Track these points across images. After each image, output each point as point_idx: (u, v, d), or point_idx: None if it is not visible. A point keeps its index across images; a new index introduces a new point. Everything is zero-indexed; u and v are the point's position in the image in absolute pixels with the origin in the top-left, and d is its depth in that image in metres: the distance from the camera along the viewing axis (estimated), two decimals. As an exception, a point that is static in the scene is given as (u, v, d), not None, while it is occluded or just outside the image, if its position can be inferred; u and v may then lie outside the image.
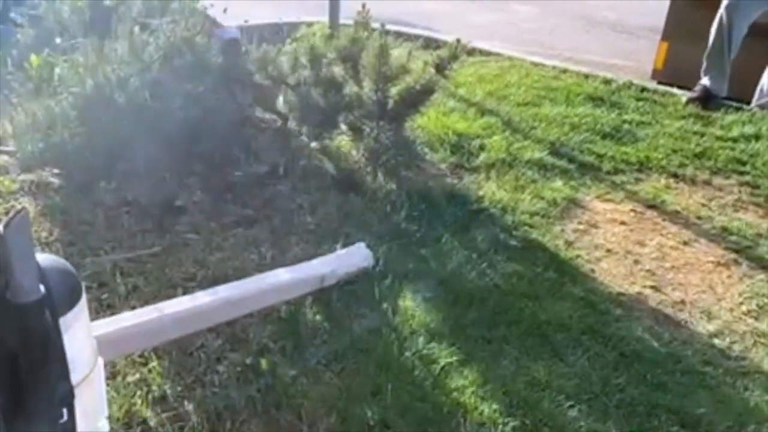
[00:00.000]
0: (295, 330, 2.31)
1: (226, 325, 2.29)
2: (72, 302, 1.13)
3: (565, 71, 4.98)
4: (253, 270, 2.57)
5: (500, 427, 2.00)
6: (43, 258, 1.10)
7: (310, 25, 5.64)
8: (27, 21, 4.08)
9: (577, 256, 2.92)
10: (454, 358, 2.25)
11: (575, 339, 2.42)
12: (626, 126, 4.14)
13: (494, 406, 2.08)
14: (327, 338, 2.29)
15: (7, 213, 2.46)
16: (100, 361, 1.29)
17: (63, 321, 1.09)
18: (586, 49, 6.04)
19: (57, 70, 3.20)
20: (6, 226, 0.98)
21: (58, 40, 3.62)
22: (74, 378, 1.13)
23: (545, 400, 2.14)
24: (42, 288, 1.04)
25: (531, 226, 3.07)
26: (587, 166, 3.68)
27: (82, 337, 1.19)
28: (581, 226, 3.16)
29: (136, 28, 3.41)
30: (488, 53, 5.29)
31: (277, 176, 3.29)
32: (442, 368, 2.19)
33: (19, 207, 0.96)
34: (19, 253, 1.01)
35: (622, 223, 3.23)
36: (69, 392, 1.11)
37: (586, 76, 4.88)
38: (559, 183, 3.46)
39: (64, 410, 1.11)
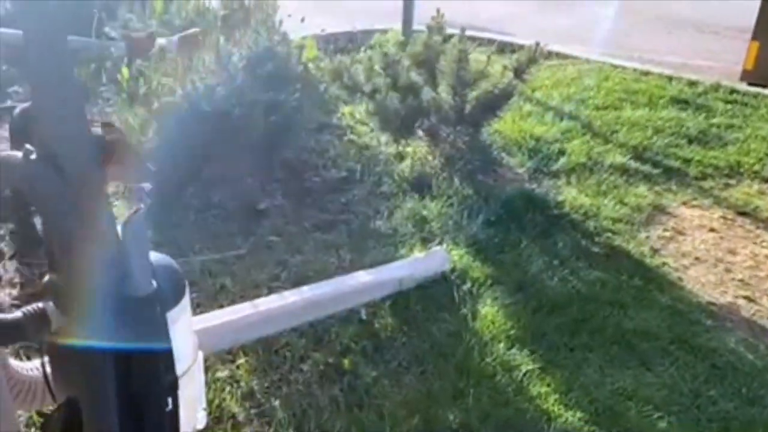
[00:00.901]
0: (375, 332, 2.34)
1: (309, 325, 2.34)
2: (178, 298, 1.19)
3: (646, 73, 4.82)
4: (332, 272, 2.62)
5: (585, 436, 1.96)
6: (154, 256, 1.17)
7: (383, 32, 5.70)
8: (119, 35, 4.33)
9: (664, 264, 2.82)
10: (536, 364, 2.21)
11: (663, 349, 2.34)
12: (714, 129, 3.97)
13: (579, 414, 2.03)
14: (406, 341, 2.30)
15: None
16: (200, 354, 1.35)
17: (170, 315, 1.15)
18: (668, 50, 5.82)
19: (153, 81, 3.37)
20: (125, 224, 1.05)
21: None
22: (178, 369, 1.18)
23: (632, 410, 2.07)
24: (154, 283, 1.09)
25: (614, 233, 2.99)
26: (673, 171, 3.55)
27: (186, 331, 1.25)
28: (667, 233, 3.05)
29: (222, 39, 3.56)
30: (565, 56, 5.19)
31: (354, 181, 3.35)
32: (524, 374, 2.16)
33: (136, 207, 1.02)
34: (135, 249, 1.07)
35: (711, 230, 3.09)
36: (174, 383, 1.17)
37: (670, 78, 4.71)
38: (643, 188, 3.35)
39: (170, 399, 1.16)
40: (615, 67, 4.96)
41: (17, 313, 1.09)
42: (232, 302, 2.37)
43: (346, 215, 3.06)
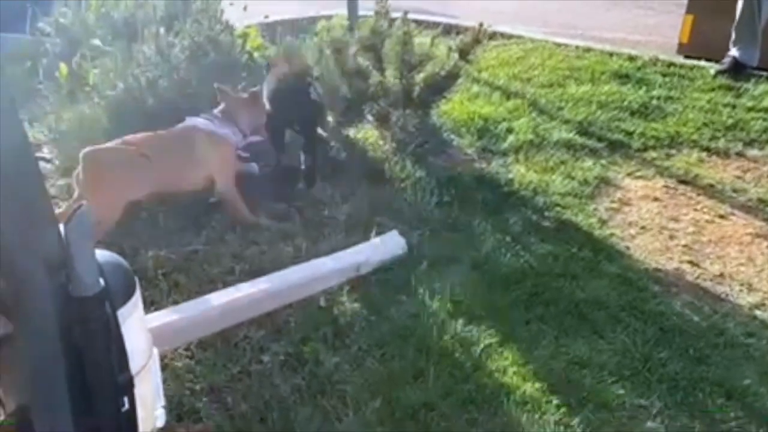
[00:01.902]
0: (335, 318, 2.34)
1: (267, 316, 2.33)
2: (128, 295, 1.17)
3: (588, 50, 4.93)
4: (289, 262, 2.61)
5: (543, 405, 2.01)
6: (100, 254, 1.14)
7: (328, 18, 5.63)
8: (54, 30, 4.16)
9: (612, 235, 2.91)
10: (494, 339, 2.26)
11: (614, 316, 2.42)
12: (654, 102, 4.09)
13: (536, 385, 2.09)
14: (366, 325, 2.32)
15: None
16: (155, 351, 1.33)
17: (120, 313, 1.13)
18: (609, 27, 5.96)
19: (91, 76, 3.26)
20: (67, 223, 1.02)
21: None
22: (133, 368, 1.16)
23: (587, 377, 2.14)
24: (101, 281, 1.07)
25: (563, 207, 3.06)
26: (617, 144, 3.65)
27: (138, 328, 1.23)
28: (614, 205, 3.14)
29: (162, 30, 3.46)
30: (509, 36, 5.26)
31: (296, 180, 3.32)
32: (482, 350, 2.21)
33: (77, 204, 1.00)
34: (79, 248, 1.04)
35: (655, 199, 3.20)
36: (129, 382, 1.15)
37: (611, 54, 4.82)
38: (589, 162, 3.44)
39: (125, 399, 1.14)
40: (558, 45, 5.05)
41: (-41, 322, 1.05)
42: (188, 298, 2.34)
43: (300, 203, 3.04)
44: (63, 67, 3.55)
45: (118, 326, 1.12)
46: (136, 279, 1.23)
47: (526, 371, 2.15)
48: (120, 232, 2.68)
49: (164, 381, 1.99)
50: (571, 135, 3.66)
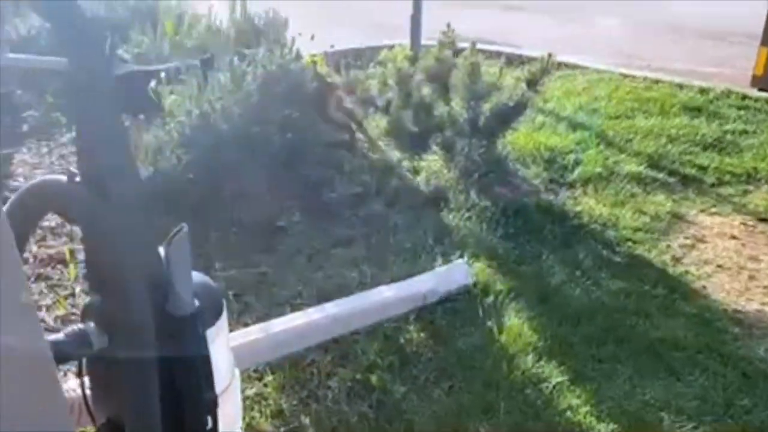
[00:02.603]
0: (401, 347, 2.32)
1: (334, 341, 2.33)
2: (216, 316, 1.19)
3: (656, 82, 4.83)
4: (354, 288, 2.61)
5: (619, 448, 1.93)
6: (193, 274, 1.17)
7: (391, 47, 5.73)
8: (132, 57, 4.37)
9: (686, 273, 2.80)
10: (565, 376, 2.19)
11: (692, 358, 2.32)
12: (729, 136, 3.96)
13: (611, 426, 2.01)
14: (432, 355, 2.29)
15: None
16: (237, 372, 1.35)
17: (209, 333, 1.15)
18: (676, 58, 5.84)
19: (167, 102, 3.40)
20: (168, 244, 1.05)
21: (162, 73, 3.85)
22: (217, 388, 1.18)
23: (665, 420, 2.05)
24: (195, 301, 1.09)
25: (635, 242, 2.98)
26: (689, 178, 3.54)
27: (224, 349, 1.25)
28: (688, 241, 3.04)
29: (235, 59, 3.59)
30: (574, 66, 5.21)
31: (371, 196, 3.35)
32: (554, 387, 2.15)
33: (179, 226, 1.03)
34: (178, 268, 1.07)
35: (732, 237, 3.08)
36: (214, 401, 1.17)
37: (680, 86, 4.71)
38: (660, 197, 3.34)
39: (209, 418, 1.16)
40: (625, 76, 4.97)
41: (59, 334, 1.09)
42: (257, 320, 2.37)
43: (365, 230, 3.06)
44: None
45: (207, 346, 1.14)
46: (224, 300, 1.25)
47: (600, 411, 2.07)
48: (194, 252, 2.75)
49: (236, 402, 2.01)
50: (641, 168, 3.57)
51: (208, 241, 2.84)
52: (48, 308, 2.42)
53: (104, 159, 1.04)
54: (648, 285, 2.69)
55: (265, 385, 2.12)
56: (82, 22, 0.99)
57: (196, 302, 1.09)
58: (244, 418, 1.95)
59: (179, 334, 1.08)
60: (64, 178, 1.05)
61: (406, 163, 3.57)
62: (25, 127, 3.98)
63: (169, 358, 1.09)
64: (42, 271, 2.64)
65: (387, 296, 2.49)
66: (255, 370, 2.19)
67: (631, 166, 3.58)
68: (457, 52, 3.51)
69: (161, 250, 1.07)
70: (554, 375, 2.19)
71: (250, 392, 2.07)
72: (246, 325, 2.33)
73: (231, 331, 2.29)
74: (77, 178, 1.04)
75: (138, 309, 1.02)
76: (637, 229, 3.07)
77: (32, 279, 2.58)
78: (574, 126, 4.07)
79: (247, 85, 3.43)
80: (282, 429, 1.98)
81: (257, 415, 2.00)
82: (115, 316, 1.04)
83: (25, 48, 4.51)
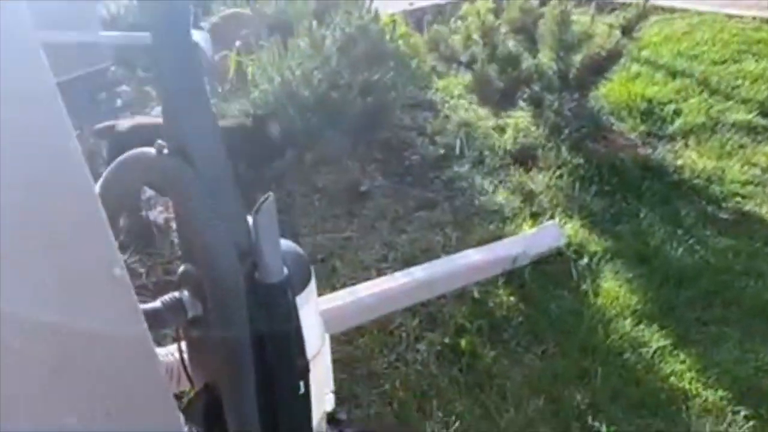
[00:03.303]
0: (490, 311, 2.27)
1: (421, 305, 2.31)
2: (305, 283, 1.18)
3: (767, 21, 4.38)
4: (439, 251, 2.57)
5: (730, 415, 1.81)
6: (281, 242, 1.17)
7: (473, 1, 5.52)
8: (213, 26, 4.44)
9: (805, 228, 2.56)
10: (667, 341, 2.07)
11: (811, 320, 2.13)
12: None
13: (720, 393, 1.88)
14: (524, 320, 2.22)
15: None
16: (327, 337, 1.35)
17: (299, 300, 1.14)
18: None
19: (249, 70, 3.44)
20: (257, 212, 1.04)
21: (237, 42, 3.89)
22: (309, 353, 1.18)
23: (781, 388, 1.90)
24: (285, 269, 1.09)
25: (743, 197, 2.75)
26: (807, 125, 3.21)
27: (314, 315, 1.25)
28: (805, 194, 2.77)
29: (314, 23, 3.56)
30: (672, 9, 4.81)
31: (455, 157, 3.27)
32: (655, 352, 2.04)
33: (266, 195, 1.01)
34: (267, 236, 1.06)
35: None
36: (306, 367, 1.17)
37: (796, 24, 4.26)
38: (773, 147, 3.06)
39: (302, 383, 1.16)
40: (730, 17, 4.54)
41: (156, 303, 1.11)
42: (344, 284, 2.38)
43: (449, 192, 2.99)
44: (232, 57, 3.76)
45: (297, 312, 1.14)
46: (311, 267, 1.24)
47: (707, 377, 1.95)
48: (280, 218, 2.80)
49: (328, 366, 2.04)
50: (750, 116, 3.28)
51: (293, 208, 2.88)
52: (147, 274, 2.55)
53: (189, 130, 1.04)
54: (759, 242, 2.49)
55: (355, 348, 2.13)
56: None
57: (285, 270, 1.08)
58: (334, 382, 1.98)
59: (270, 301, 1.08)
60: (152, 150, 1.07)
61: (491, 122, 3.45)
62: (119, 102, 4.16)
63: (261, 326, 1.10)
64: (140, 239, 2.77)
65: (474, 260, 2.43)
66: (344, 334, 2.21)
67: (739, 114, 3.29)
68: (544, 2, 3.32)
69: (249, 219, 1.07)
70: (655, 339, 2.08)
71: (339, 355, 2.09)
72: (334, 289, 2.35)
73: (319, 296, 2.32)
74: (165, 150, 1.05)
75: (228, 277, 1.03)
76: (746, 183, 2.83)
77: (132, 247, 2.72)
78: (674, 74, 3.78)
79: (327, 49, 3.40)
80: (373, 391, 1.99)
81: (347, 377, 2.02)
82: (207, 284, 1.06)
83: (116, 25, 4.70)
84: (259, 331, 1.10)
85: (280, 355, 1.13)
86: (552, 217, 2.66)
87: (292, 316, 1.13)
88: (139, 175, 1.11)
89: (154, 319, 1.11)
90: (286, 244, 1.20)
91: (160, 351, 1.64)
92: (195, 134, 1.04)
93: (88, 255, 0.72)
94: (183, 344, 1.21)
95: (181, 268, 1.17)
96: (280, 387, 1.15)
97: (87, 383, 0.72)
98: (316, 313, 1.28)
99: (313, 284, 1.21)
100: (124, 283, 0.75)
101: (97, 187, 1.13)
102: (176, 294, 1.12)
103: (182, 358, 1.22)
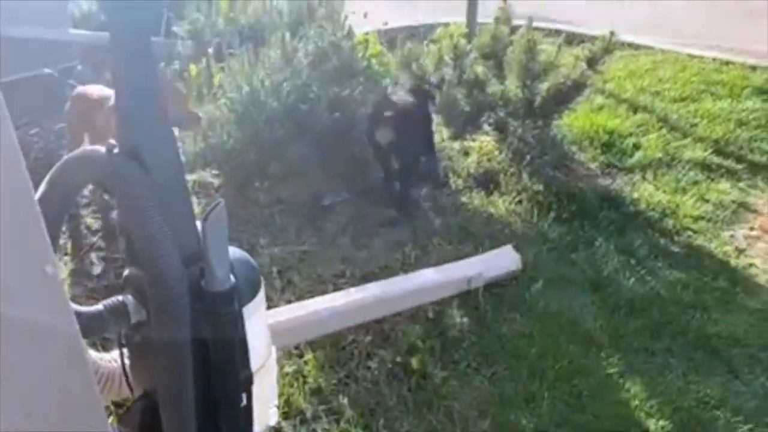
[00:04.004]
0: (443, 331, 2.28)
1: (375, 322, 2.31)
2: (253, 293, 1.17)
3: (727, 63, 4.56)
4: (398, 269, 2.58)
5: (669, 447, 1.84)
6: (230, 250, 1.15)
7: (446, 25, 5.60)
8: (187, 34, 4.41)
9: (751, 265, 2.65)
10: (615, 369, 2.11)
11: (752, 356, 2.19)
12: (804, 121, 3.71)
13: (662, 423, 1.92)
14: (476, 341, 2.24)
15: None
16: (274, 350, 1.33)
17: (245, 310, 1.13)
18: (750, 39, 5.47)
19: (217, 78, 3.41)
20: (205, 219, 1.03)
21: (210, 50, 3.86)
22: (253, 365, 1.16)
23: (720, 420, 1.95)
24: (232, 278, 1.08)
25: (695, 231, 2.83)
26: (758, 165, 3.33)
27: (260, 326, 1.23)
28: (754, 232, 2.86)
29: (287, 35, 3.56)
30: (637, 46, 4.97)
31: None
32: (602, 379, 2.06)
33: (216, 201, 1.00)
34: (215, 244, 1.05)
35: (804, 229, 2.89)
36: (249, 378, 1.15)
37: (753, 68, 4.43)
38: (726, 184, 3.16)
39: (244, 395, 1.14)
40: (692, 57, 4.71)
41: (98, 306, 1.09)
42: (299, 298, 2.36)
43: (411, 211, 3.00)
44: (193, 67, 3.74)
45: (242, 322, 1.12)
46: (261, 277, 1.23)
47: (650, 406, 1.98)
48: (238, 228, 2.77)
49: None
50: (705, 154, 3.38)
51: (254, 218, 2.85)
52: (98, 277, 2.49)
53: (142, 132, 1.03)
54: (708, 277, 2.55)
55: (305, 363, 2.11)
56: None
57: (233, 279, 1.07)
58: (281, 395, 1.96)
59: (215, 310, 1.06)
60: (102, 149, 1.05)
61: (456, 144, 3.49)
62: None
63: (205, 334, 1.08)
64: (94, 241, 2.71)
65: (431, 279, 2.44)
66: (296, 348, 2.19)
67: (695, 152, 3.39)
68: (514, 30, 3.39)
69: (199, 226, 1.06)
70: (603, 367, 2.11)
71: (289, 369, 2.07)
72: (288, 302, 2.34)
73: (273, 307, 2.30)
74: (115, 150, 1.03)
75: (172, 283, 1.01)
76: (698, 218, 2.91)
77: (85, 249, 2.65)
78: (636, 108, 3.89)
79: (298, 62, 3.41)
80: (320, 407, 1.97)
81: (296, 392, 2.00)
82: (149, 288, 1.04)
83: (87, 24, 4.63)
84: (202, 339, 1.08)
85: (222, 365, 1.11)
86: (510, 240, 2.68)
87: (237, 326, 1.11)
88: (88, 173, 1.09)
89: (95, 322, 1.08)
90: (237, 253, 1.18)
91: (103, 356, 1.60)
92: (148, 136, 1.03)
93: (19, 251, 0.70)
94: (124, 350, 1.18)
95: (126, 272, 1.14)
96: (221, 398, 1.13)
97: (8, 381, 0.69)
98: (264, 325, 1.27)
99: (262, 295, 1.19)
100: (56, 281, 0.73)
101: (44, 183, 1.11)
102: (120, 298, 1.09)
103: (123, 364, 1.19)
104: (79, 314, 1.06)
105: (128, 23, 0.97)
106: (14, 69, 3.53)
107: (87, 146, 1.07)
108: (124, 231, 1.15)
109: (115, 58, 1.03)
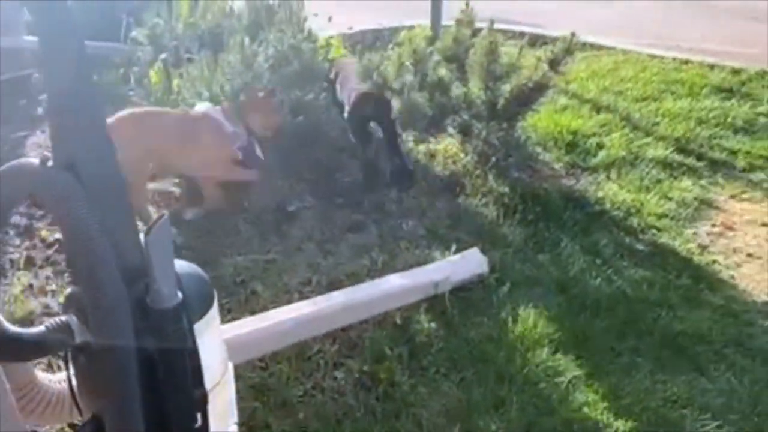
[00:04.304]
0: (411, 337, 2.25)
1: (342, 330, 2.26)
2: (205, 308, 1.11)
3: (686, 62, 4.63)
4: (364, 275, 2.54)
5: (638, 447, 1.84)
6: (179, 264, 1.10)
7: (411, 28, 5.58)
8: (147, 39, 4.31)
9: (714, 262, 2.67)
10: (582, 370, 2.10)
11: (717, 352, 2.21)
12: (761, 119, 3.78)
13: (630, 424, 1.92)
14: (444, 346, 2.21)
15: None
16: (230, 366, 1.28)
17: (197, 327, 1.08)
18: (708, 38, 5.59)
19: (175, 83, 3.34)
20: (148, 233, 0.98)
21: (163, 55, 3.78)
22: (207, 383, 1.11)
23: (687, 419, 1.95)
24: (179, 294, 1.03)
25: (659, 229, 2.85)
26: (719, 163, 3.38)
27: (215, 343, 1.17)
28: (716, 229, 2.90)
29: (246, 40, 3.50)
30: (599, 47, 5.02)
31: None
32: (569, 381, 2.06)
33: (159, 213, 0.94)
34: (159, 258, 1.00)
35: (764, 224, 2.93)
36: (203, 397, 1.10)
37: (711, 67, 4.51)
38: (687, 182, 3.20)
39: (198, 415, 1.09)
40: (653, 57, 4.78)
41: (40, 327, 1.03)
42: (264, 308, 2.31)
43: (378, 215, 2.98)
44: (154, 74, 3.65)
45: (194, 340, 1.08)
46: (214, 291, 1.18)
47: (618, 407, 1.98)
48: (202, 238, 2.70)
49: (237, 393, 1.95)
50: (667, 152, 3.42)
51: (216, 227, 2.78)
52: (53, 293, 2.40)
53: (77, 142, 0.97)
54: (672, 275, 2.57)
55: (270, 375, 2.06)
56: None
57: (180, 295, 1.02)
58: (246, 410, 1.90)
59: (161, 328, 1.01)
60: (36, 161, 0.99)
61: (421, 147, 3.47)
62: (40, 110, 3.96)
63: (152, 353, 1.03)
64: (50, 255, 2.61)
65: (397, 285, 2.41)
66: (260, 360, 2.13)
67: (657, 151, 3.43)
68: (477, 32, 3.38)
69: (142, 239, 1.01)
70: (570, 369, 2.10)
71: (253, 382, 2.02)
72: (252, 312, 2.28)
73: (236, 318, 2.24)
74: (49, 162, 0.98)
75: (111, 301, 0.95)
76: (661, 216, 2.94)
77: (39, 263, 2.56)
78: (598, 108, 3.92)
79: (258, 66, 3.35)
80: (286, 421, 1.92)
81: (260, 406, 1.94)
82: (88, 307, 0.98)
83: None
84: (149, 359, 1.03)
85: (172, 384, 1.06)
86: (476, 243, 2.67)
87: (186, 343, 1.06)
88: (20, 187, 1.03)
89: (37, 345, 1.02)
90: (186, 267, 1.13)
91: (52, 377, 1.52)
92: (84, 146, 0.97)
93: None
94: (72, 371, 1.12)
95: (68, 290, 1.09)
96: (173, 419, 1.08)
97: None
98: (219, 341, 1.21)
99: (215, 310, 1.14)
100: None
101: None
102: (63, 318, 1.04)
103: (71, 386, 1.13)
104: (20, 336, 1.00)
105: (57, 25, 0.92)
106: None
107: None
108: (64, 246, 1.10)
109: (46, 64, 0.97)
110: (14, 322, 2.01)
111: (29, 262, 2.56)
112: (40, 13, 0.95)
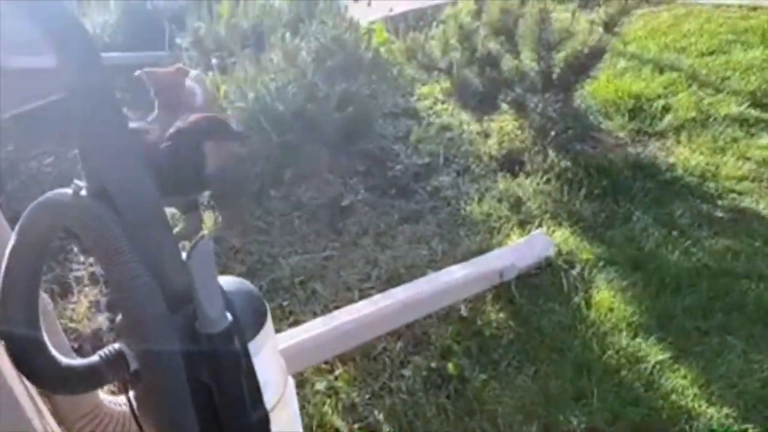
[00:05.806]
0: (479, 329, 2.15)
1: (406, 327, 2.19)
2: (259, 325, 1.06)
3: (755, 9, 4.28)
4: (424, 267, 2.46)
5: (737, 435, 1.69)
6: (227, 281, 1.05)
7: (454, 3, 5.41)
8: (190, 45, 4.33)
9: (806, 224, 2.45)
10: (667, 354, 1.95)
11: (818, 324, 2.01)
12: None
13: (725, 410, 1.76)
14: (514, 337, 2.10)
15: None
16: (290, 380, 1.23)
17: (252, 345, 1.03)
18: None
19: (222, 88, 3.32)
20: (189, 256, 0.92)
21: (214, 60, 3.77)
22: (268, 401, 1.06)
23: (790, 401, 1.77)
24: (228, 315, 0.98)
25: (739, 193, 2.63)
26: (801, 114, 3.10)
27: (271, 358, 1.12)
28: (804, 187, 2.66)
29: (287, 35, 3.45)
30: (657, 2, 4.71)
31: (439, 166, 3.15)
32: (654, 367, 1.91)
33: (200, 235, 0.88)
34: (203, 281, 0.95)
35: None
36: (264, 418, 1.06)
37: (785, 10, 4.16)
38: (767, 139, 2.94)
39: (260, 436, 1.05)
40: (717, 6, 4.44)
41: (94, 357, 1.00)
42: (325, 307, 2.26)
43: (434, 203, 2.88)
44: (205, 78, 3.65)
45: (249, 360, 1.03)
46: (268, 306, 1.12)
47: (710, 393, 1.82)
48: (258, 239, 2.68)
49: (303, 398, 1.92)
50: (742, 108, 3.16)
51: (272, 228, 2.76)
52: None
53: (109, 169, 0.92)
54: (759, 241, 2.37)
55: (336, 378, 2.01)
56: (70, 19, 0.87)
57: (229, 316, 0.97)
58: (314, 416, 1.86)
59: (213, 352, 0.96)
60: (68, 191, 0.95)
61: (475, 127, 3.33)
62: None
63: (206, 379, 0.99)
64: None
65: (460, 276, 2.31)
66: (326, 363, 2.08)
67: (731, 107, 3.17)
68: (524, 1, 3.21)
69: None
70: (654, 353, 1.95)
71: (320, 387, 1.97)
72: (314, 314, 2.23)
73: (298, 320, 2.20)
74: (82, 192, 0.94)
75: (154, 332, 0.91)
76: (741, 179, 2.71)
77: (104, 279, 2.59)
78: (661, 68, 3.67)
79: (302, 62, 3.29)
80: (355, 425, 1.86)
81: (329, 410, 1.89)
82: (133, 337, 0.94)
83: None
84: (204, 385, 0.98)
85: (231, 409, 1.01)
86: (540, 225, 2.53)
87: (240, 365, 1.01)
88: (55, 218, 0.99)
89: (92, 376, 0.99)
90: (236, 283, 1.08)
91: (116, 399, 1.51)
92: (115, 173, 0.93)
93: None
94: (131, 394, 1.10)
95: (118, 319, 1.05)
96: (235, 443, 1.03)
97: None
98: (275, 356, 1.16)
99: (269, 325, 1.09)
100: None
101: (14, 234, 1.02)
102: (116, 346, 1.00)
103: (132, 410, 1.11)
104: (72, 369, 0.97)
105: (78, 44, 0.87)
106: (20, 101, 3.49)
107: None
108: (105, 277, 1.06)
109: (70, 86, 0.92)
110: (83, 340, 2.02)
111: (93, 279, 2.61)
112: (61, 36, 0.90)
